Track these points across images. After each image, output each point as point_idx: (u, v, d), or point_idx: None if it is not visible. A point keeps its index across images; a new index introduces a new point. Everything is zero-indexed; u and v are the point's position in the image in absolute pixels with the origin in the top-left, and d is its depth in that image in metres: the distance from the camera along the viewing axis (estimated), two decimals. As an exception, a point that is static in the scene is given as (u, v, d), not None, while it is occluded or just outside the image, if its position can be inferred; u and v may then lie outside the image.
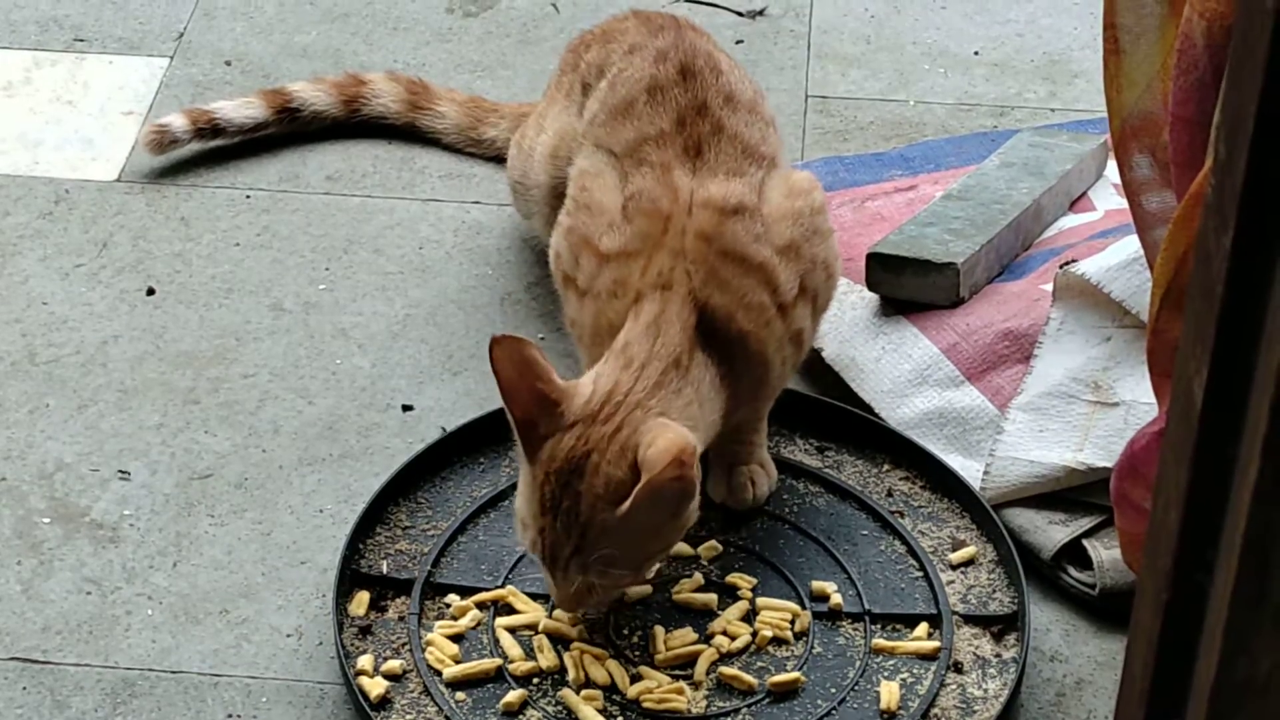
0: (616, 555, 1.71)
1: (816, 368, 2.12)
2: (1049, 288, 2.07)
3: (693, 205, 1.85)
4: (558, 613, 1.83)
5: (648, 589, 1.87)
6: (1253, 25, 0.91)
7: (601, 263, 1.86)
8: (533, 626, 1.84)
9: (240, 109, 2.45)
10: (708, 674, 1.80)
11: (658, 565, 1.83)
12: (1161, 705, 1.08)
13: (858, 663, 1.82)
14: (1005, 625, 1.86)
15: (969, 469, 1.99)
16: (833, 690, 1.80)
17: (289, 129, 2.48)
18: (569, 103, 2.10)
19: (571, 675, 1.79)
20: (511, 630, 1.83)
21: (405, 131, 2.50)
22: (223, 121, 2.43)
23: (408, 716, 1.76)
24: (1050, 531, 1.93)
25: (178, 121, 2.41)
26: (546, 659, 1.80)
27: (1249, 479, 0.93)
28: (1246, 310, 0.94)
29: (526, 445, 1.74)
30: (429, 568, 1.89)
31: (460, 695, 1.79)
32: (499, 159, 2.40)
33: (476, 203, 2.41)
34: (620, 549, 1.71)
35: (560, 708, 1.77)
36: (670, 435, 1.70)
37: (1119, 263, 2.01)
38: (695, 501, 1.75)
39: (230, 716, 1.80)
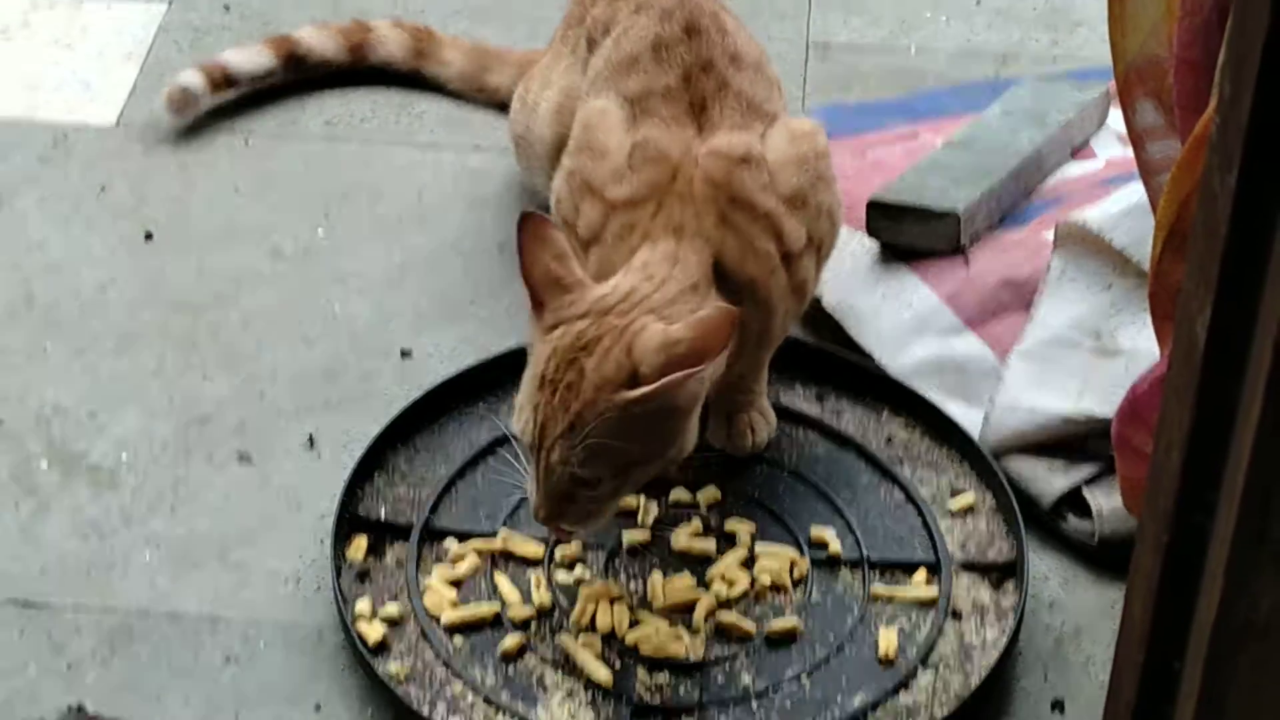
0: (605, 446, 1.66)
1: (816, 315, 2.12)
2: (1050, 236, 2.07)
3: (700, 154, 1.84)
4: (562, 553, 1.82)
5: (645, 535, 1.86)
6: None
7: (608, 210, 1.85)
8: (534, 563, 1.84)
9: (249, 58, 2.43)
10: (706, 620, 1.80)
11: (629, 494, 1.78)
12: (1161, 648, 1.08)
13: (856, 609, 1.82)
14: (1004, 573, 1.86)
15: (968, 417, 1.99)
16: (831, 637, 1.80)
17: (294, 76, 2.47)
18: (574, 59, 2.09)
19: (576, 611, 1.78)
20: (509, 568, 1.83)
21: (406, 77, 2.48)
22: (234, 73, 2.42)
23: (406, 660, 1.76)
24: (1050, 479, 1.93)
25: (195, 80, 2.39)
26: (541, 597, 1.80)
27: (1251, 419, 0.93)
28: (1250, 249, 0.94)
29: (538, 323, 1.72)
30: (427, 513, 1.89)
31: (458, 640, 1.79)
32: (503, 106, 2.39)
33: (476, 148, 2.40)
34: (612, 439, 1.66)
35: (558, 653, 1.77)
36: (700, 315, 1.69)
37: (1120, 211, 2.01)
38: (695, 422, 1.73)
39: (228, 659, 1.80)
